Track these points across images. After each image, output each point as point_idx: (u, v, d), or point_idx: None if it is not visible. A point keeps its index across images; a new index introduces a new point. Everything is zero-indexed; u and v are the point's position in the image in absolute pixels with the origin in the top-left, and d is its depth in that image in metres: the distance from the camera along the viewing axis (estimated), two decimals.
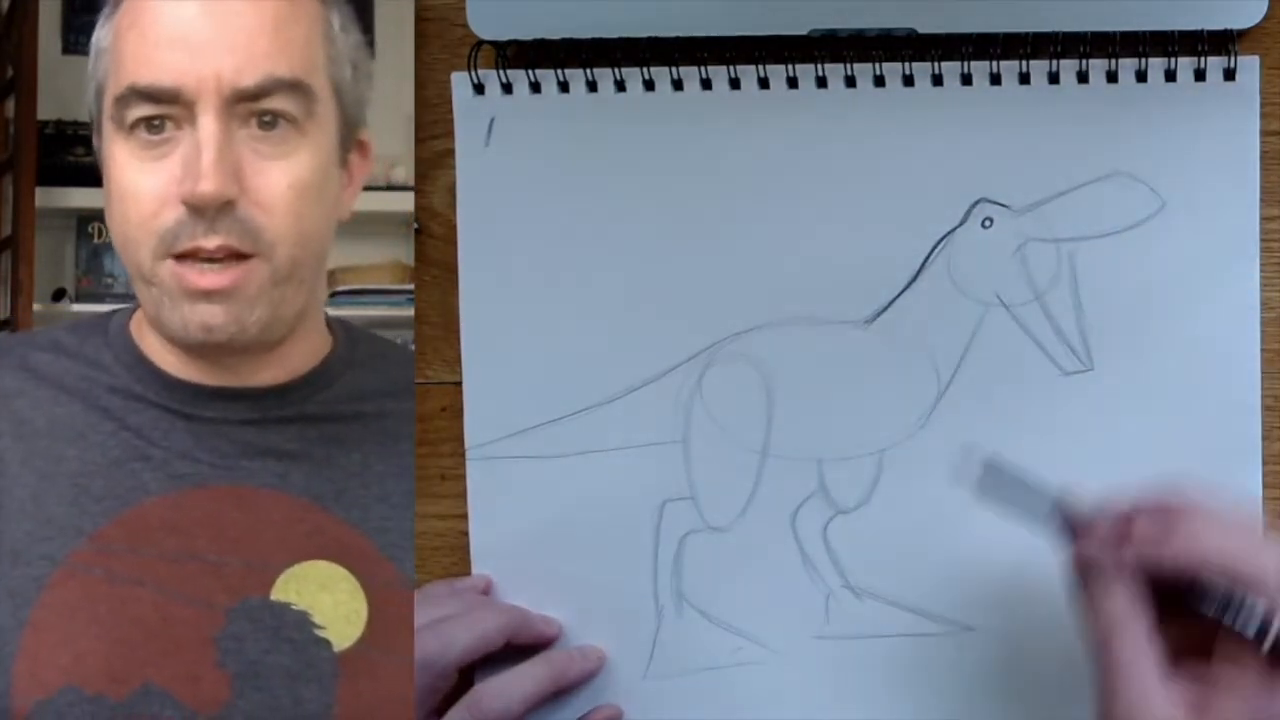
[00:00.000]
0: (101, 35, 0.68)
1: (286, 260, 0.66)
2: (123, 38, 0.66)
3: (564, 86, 0.76)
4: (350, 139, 0.70)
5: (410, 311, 0.79)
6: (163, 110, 0.64)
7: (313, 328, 0.72)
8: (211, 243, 0.64)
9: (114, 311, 0.73)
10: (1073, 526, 0.64)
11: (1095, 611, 0.63)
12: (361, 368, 0.73)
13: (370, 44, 0.71)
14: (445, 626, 0.72)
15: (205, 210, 0.64)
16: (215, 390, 0.69)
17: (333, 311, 0.75)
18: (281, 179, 0.65)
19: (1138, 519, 0.63)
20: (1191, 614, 0.62)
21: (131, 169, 0.65)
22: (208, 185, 0.63)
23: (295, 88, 0.66)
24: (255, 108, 0.65)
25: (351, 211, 0.71)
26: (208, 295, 0.65)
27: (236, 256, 0.65)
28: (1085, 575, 0.63)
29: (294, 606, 0.67)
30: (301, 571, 0.68)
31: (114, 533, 0.67)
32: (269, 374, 0.70)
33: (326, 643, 0.67)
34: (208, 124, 0.64)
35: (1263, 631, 0.59)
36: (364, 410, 0.72)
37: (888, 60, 0.74)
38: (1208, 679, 0.61)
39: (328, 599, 0.67)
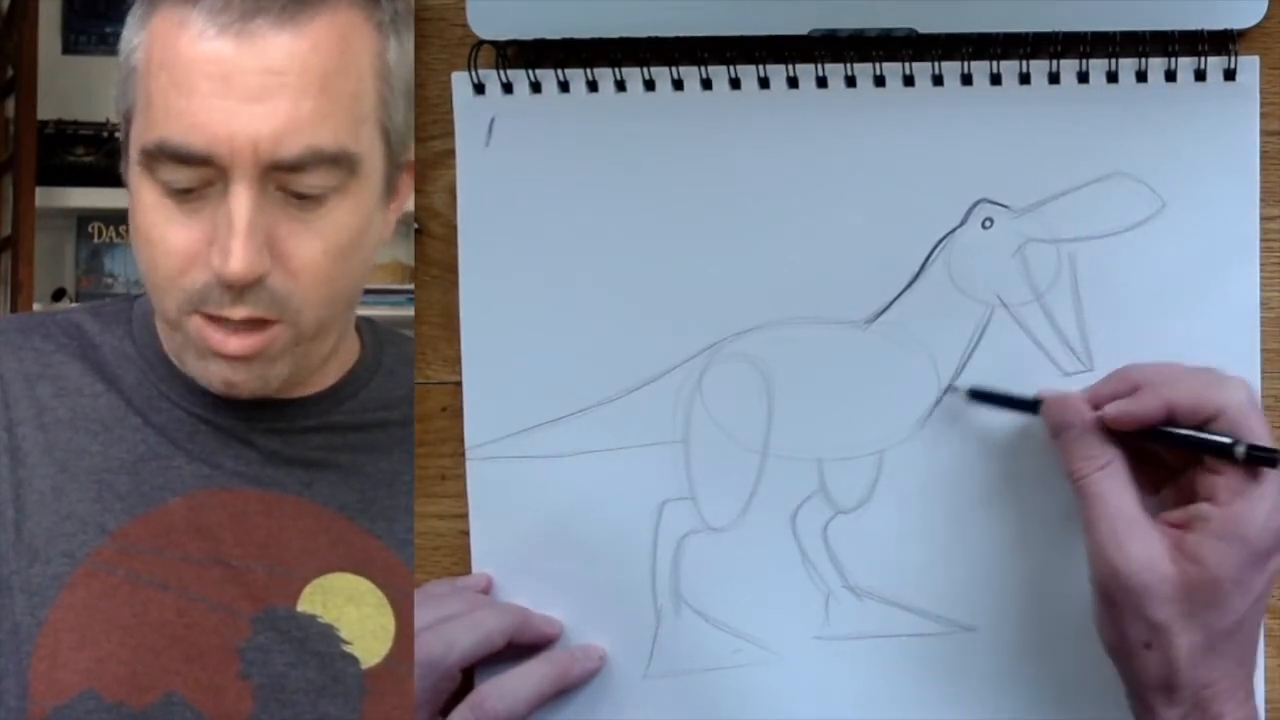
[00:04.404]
0: (132, 46, 0.63)
1: (313, 322, 0.64)
2: (154, 75, 0.61)
3: (564, 86, 0.76)
4: (397, 171, 0.67)
5: (410, 311, 0.78)
6: (194, 173, 0.61)
7: (342, 343, 0.71)
8: (238, 314, 0.62)
9: (136, 299, 0.71)
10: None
11: (1072, 457, 0.67)
12: (389, 374, 0.72)
13: None
14: (447, 627, 0.71)
15: (234, 285, 0.61)
16: (239, 399, 0.66)
17: None
18: (316, 244, 0.62)
19: (1104, 386, 0.68)
20: (1165, 471, 0.67)
21: (160, 215, 0.62)
22: (237, 266, 0.60)
23: (337, 160, 0.61)
24: (291, 182, 0.61)
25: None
26: (231, 356, 0.64)
27: (262, 321, 0.63)
28: (1063, 434, 0.68)
29: (320, 619, 0.66)
30: (328, 583, 0.66)
31: (137, 532, 0.65)
32: (296, 388, 0.69)
33: (354, 659, 0.66)
34: (240, 195, 0.60)
35: (1233, 447, 0.64)
36: (390, 418, 0.71)
37: (888, 60, 0.74)
38: (1186, 525, 0.64)
39: (354, 613, 0.66)
